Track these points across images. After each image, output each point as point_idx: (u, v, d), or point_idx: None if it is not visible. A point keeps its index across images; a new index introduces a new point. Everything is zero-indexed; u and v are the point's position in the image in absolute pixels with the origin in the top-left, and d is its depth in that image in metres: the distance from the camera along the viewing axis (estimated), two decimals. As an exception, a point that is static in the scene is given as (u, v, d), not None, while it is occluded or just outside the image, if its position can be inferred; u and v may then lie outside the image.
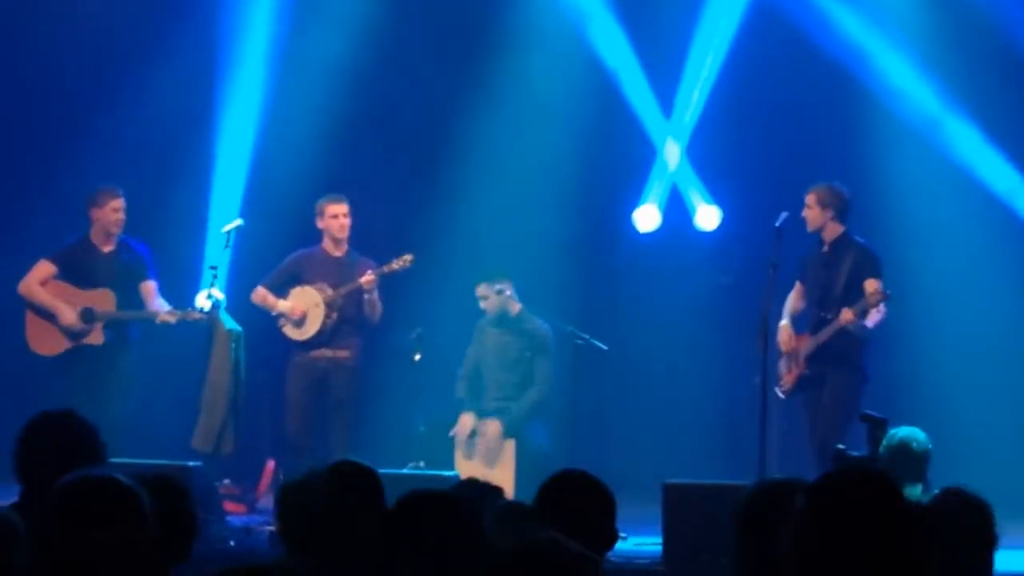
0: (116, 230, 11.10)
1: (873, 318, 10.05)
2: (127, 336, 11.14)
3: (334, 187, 11.52)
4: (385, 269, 11.18)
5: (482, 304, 11.56)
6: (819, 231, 10.31)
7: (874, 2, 12.50)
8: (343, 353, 11.29)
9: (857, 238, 10.31)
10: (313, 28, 12.87)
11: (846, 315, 9.98)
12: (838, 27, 12.39)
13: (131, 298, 11.10)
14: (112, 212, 11.04)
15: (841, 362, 10.13)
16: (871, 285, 10.07)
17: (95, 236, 11.12)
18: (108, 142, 12.63)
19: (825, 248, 10.32)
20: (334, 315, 11.25)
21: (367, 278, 11.12)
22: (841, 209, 10.26)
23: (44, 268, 11.12)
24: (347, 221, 11.32)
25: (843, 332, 10.05)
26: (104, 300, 11.03)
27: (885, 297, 9.98)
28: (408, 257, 11.17)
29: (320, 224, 11.34)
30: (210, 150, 12.74)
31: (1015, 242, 12.26)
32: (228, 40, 12.80)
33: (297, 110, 12.83)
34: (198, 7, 12.88)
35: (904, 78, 12.38)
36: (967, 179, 12.26)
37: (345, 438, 11.23)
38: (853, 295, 10.09)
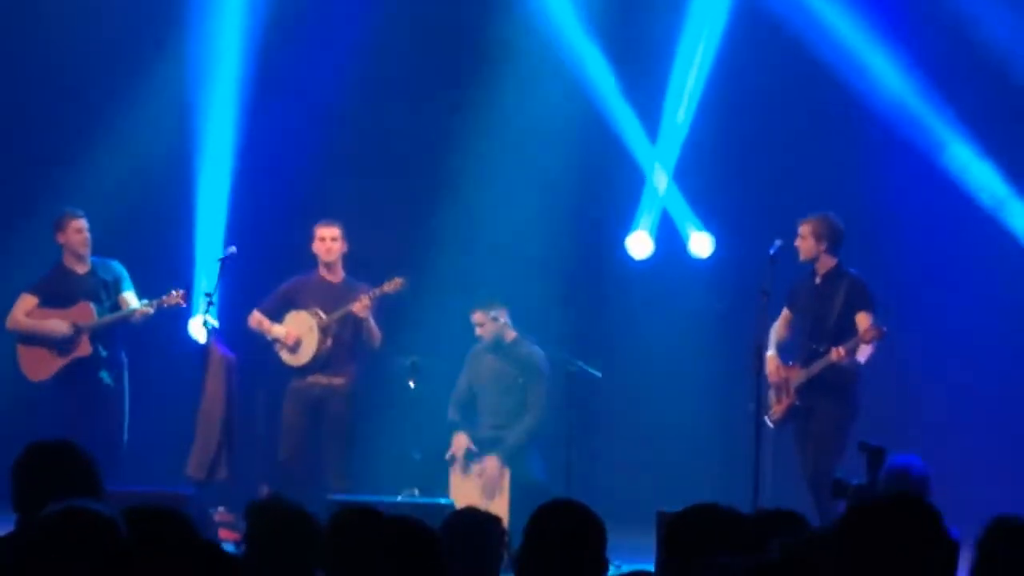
0: (84, 250, 11.27)
1: (865, 352, 10.05)
2: (116, 354, 11.26)
3: (327, 213, 11.54)
4: (376, 292, 11.19)
5: (478, 331, 11.54)
6: (812, 262, 10.32)
7: (861, 18, 12.41)
8: (338, 380, 11.31)
9: (850, 270, 10.31)
10: (303, 54, 12.87)
11: (838, 353, 9.99)
12: (825, 46, 12.24)
13: (108, 314, 11.27)
14: (76, 233, 11.24)
15: (832, 394, 10.13)
16: (864, 320, 10.07)
17: (68, 261, 11.30)
18: (89, 174, 12.63)
19: (817, 279, 10.32)
20: (329, 341, 11.26)
21: (359, 304, 11.13)
22: (835, 241, 10.27)
23: (26, 301, 11.32)
24: (335, 245, 11.34)
25: (834, 365, 10.07)
26: (85, 313, 11.18)
27: (880, 333, 9.99)
28: (399, 280, 11.18)
29: (313, 248, 11.41)
30: (192, 178, 12.69)
31: (1011, 262, 12.24)
32: (211, 65, 12.74)
33: (286, 135, 12.79)
34: (177, 32, 12.80)
35: (897, 96, 12.26)
36: (964, 200, 12.24)
37: (340, 465, 11.24)
38: (845, 327, 10.10)
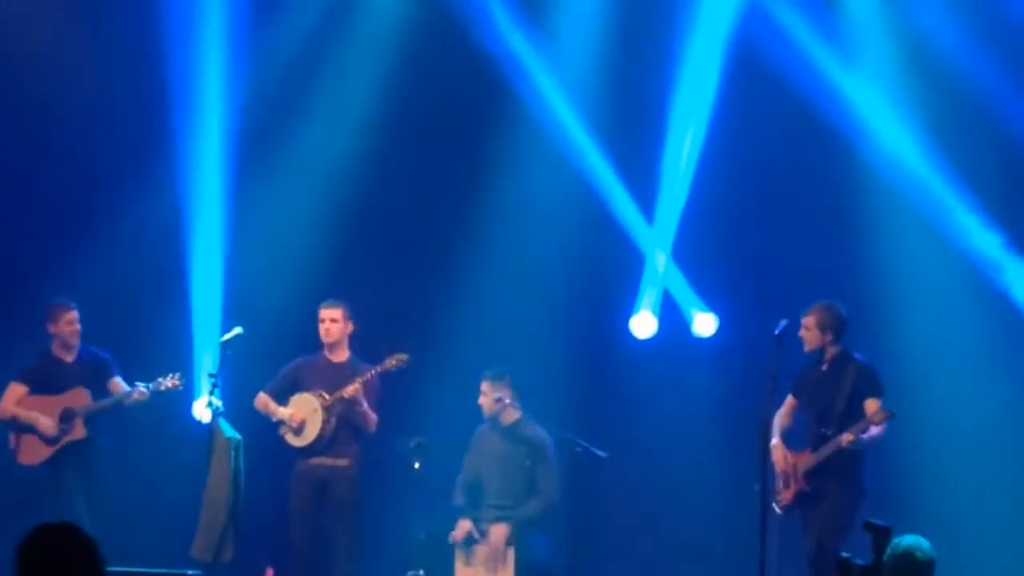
0: (74, 341, 11.56)
1: (872, 433, 10.06)
2: (104, 440, 11.45)
3: (328, 293, 11.58)
4: (379, 369, 11.21)
5: (480, 399, 11.51)
6: (817, 352, 10.33)
7: (864, 85, 12.39)
8: (343, 461, 11.29)
9: (855, 355, 10.33)
10: (304, 133, 12.93)
11: (847, 438, 10.00)
12: (823, 116, 12.12)
13: (102, 398, 11.44)
14: (67, 325, 11.53)
15: (840, 477, 10.14)
16: (872, 406, 10.10)
17: (56, 350, 11.59)
18: (82, 260, 12.64)
19: (824, 366, 10.34)
20: (332, 421, 11.26)
21: (350, 389, 11.14)
22: (839, 330, 10.29)
23: (15, 390, 11.57)
24: (334, 327, 11.37)
25: (842, 450, 10.07)
26: (79, 397, 11.43)
27: (889, 416, 10.01)
28: (403, 356, 11.18)
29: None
30: (186, 260, 12.70)
31: (1017, 335, 12.18)
32: (208, 145, 12.71)
33: (287, 216, 12.82)
34: (173, 111, 12.78)
35: (902, 163, 12.13)
36: (970, 270, 12.19)
37: (347, 546, 11.22)
38: (854, 413, 10.12)
